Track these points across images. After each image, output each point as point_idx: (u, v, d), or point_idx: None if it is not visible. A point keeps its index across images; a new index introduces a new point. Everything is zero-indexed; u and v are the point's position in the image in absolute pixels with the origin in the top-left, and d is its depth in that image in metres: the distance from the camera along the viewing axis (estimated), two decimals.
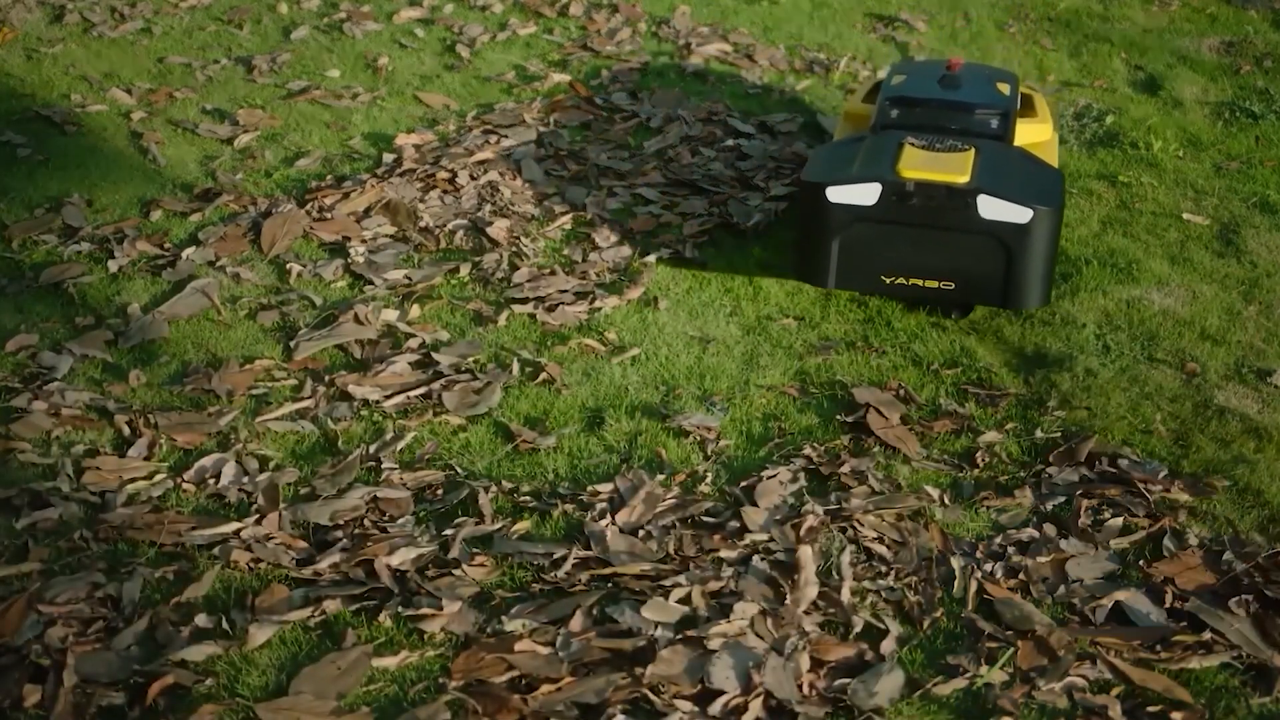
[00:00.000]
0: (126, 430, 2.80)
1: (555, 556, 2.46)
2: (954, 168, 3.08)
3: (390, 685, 2.20)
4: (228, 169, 3.92)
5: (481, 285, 3.39)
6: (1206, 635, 2.32)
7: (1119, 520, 2.60)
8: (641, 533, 2.53)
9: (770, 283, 3.41)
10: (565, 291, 3.36)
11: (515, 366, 3.05)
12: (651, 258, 3.52)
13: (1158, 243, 3.62)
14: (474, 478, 2.69)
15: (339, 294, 3.34)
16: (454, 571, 2.43)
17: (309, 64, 4.66)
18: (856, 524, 2.56)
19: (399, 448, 2.77)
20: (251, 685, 2.19)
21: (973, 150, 3.16)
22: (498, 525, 2.55)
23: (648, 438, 2.83)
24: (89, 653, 2.23)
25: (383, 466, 2.71)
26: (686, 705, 2.14)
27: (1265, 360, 3.11)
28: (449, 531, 2.53)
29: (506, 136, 4.13)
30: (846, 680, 2.21)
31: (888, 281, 3.17)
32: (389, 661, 2.23)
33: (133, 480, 2.66)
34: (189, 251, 3.45)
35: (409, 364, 3.05)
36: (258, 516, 2.55)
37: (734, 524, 2.57)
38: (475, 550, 2.49)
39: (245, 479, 2.67)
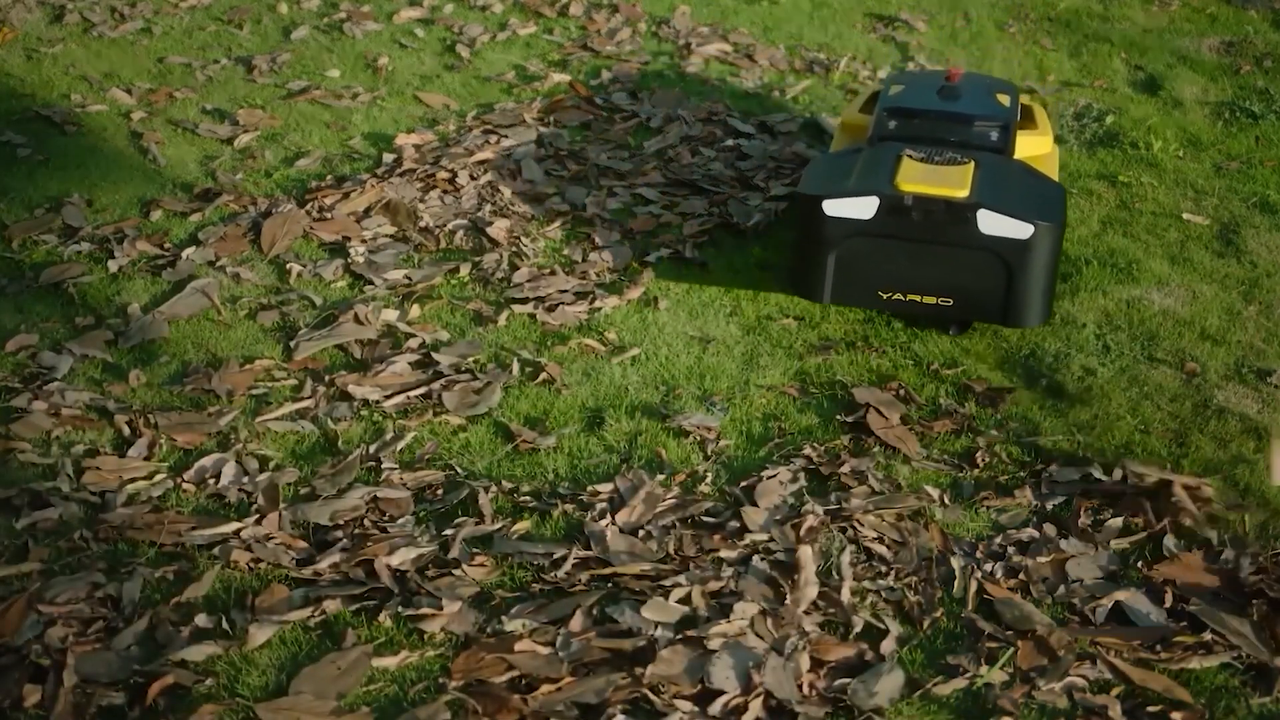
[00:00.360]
0: (126, 430, 2.80)
1: (555, 556, 2.47)
2: (953, 181, 3.03)
3: (390, 685, 2.20)
4: (228, 169, 3.93)
5: (481, 285, 3.39)
6: (1206, 635, 2.32)
7: (1119, 520, 2.60)
8: (641, 533, 2.53)
9: (770, 282, 3.41)
10: (565, 291, 3.36)
11: (515, 366, 3.05)
12: (651, 258, 3.52)
13: (1158, 243, 3.62)
14: (474, 478, 2.69)
15: (339, 294, 3.34)
16: (454, 571, 2.43)
17: (309, 64, 4.66)
18: (856, 524, 2.56)
19: (399, 448, 2.77)
20: (251, 685, 2.19)
21: (972, 163, 3.11)
22: (498, 525, 2.55)
23: (648, 438, 2.83)
24: (89, 653, 2.23)
25: (383, 466, 2.71)
26: (686, 705, 2.14)
27: (1265, 360, 3.11)
28: (449, 531, 2.53)
29: (506, 136, 4.13)
30: (846, 680, 2.21)
31: (885, 297, 3.12)
32: (389, 661, 2.23)
33: (133, 480, 2.66)
34: (189, 251, 3.45)
35: (409, 364, 3.05)
36: (258, 516, 2.56)
37: (734, 524, 2.57)
38: (475, 550, 2.50)
39: (245, 479, 2.67)
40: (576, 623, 2.30)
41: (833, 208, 3.06)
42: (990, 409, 2.94)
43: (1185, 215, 3.76)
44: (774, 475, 2.69)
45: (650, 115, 4.33)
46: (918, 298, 3.09)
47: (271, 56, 4.67)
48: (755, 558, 2.46)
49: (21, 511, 2.55)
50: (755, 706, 2.14)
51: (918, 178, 3.04)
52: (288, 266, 3.42)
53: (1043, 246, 3.00)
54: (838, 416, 2.92)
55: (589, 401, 2.96)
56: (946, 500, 2.66)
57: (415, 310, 3.26)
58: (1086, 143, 4.23)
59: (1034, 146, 3.41)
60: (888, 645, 2.29)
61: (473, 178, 3.88)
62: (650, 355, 3.13)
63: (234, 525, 2.52)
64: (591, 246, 3.59)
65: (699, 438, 2.84)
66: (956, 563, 2.48)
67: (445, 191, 3.80)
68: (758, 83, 4.63)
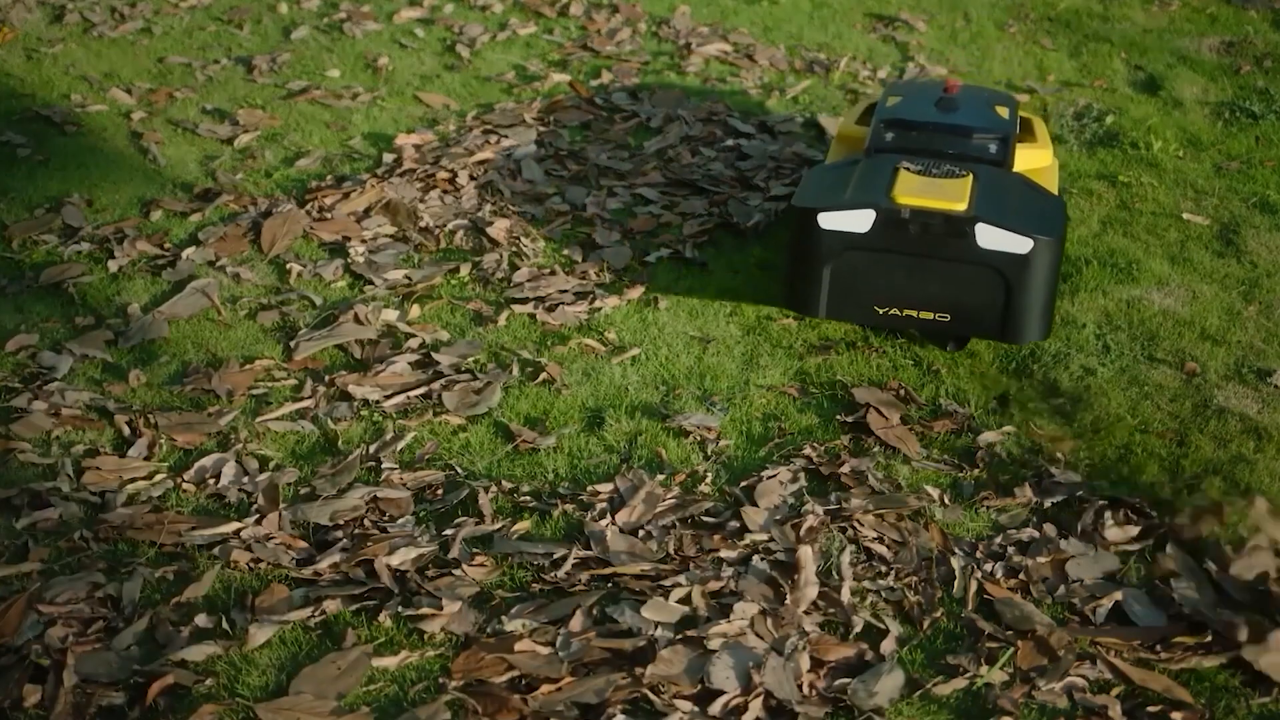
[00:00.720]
0: (126, 430, 2.80)
1: (555, 556, 2.47)
2: (951, 195, 2.97)
3: (390, 685, 2.20)
4: (228, 169, 3.93)
5: (481, 285, 3.40)
6: (1207, 635, 2.32)
7: (1119, 520, 2.60)
8: (641, 533, 2.53)
9: (770, 282, 3.41)
10: (565, 291, 3.36)
11: (515, 366, 3.05)
12: (651, 258, 3.52)
13: (1158, 243, 3.62)
14: (474, 478, 2.69)
15: (339, 294, 3.34)
16: (454, 571, 2.43)
17: (309, 64, 4.66)
18: (856, 524, 2.56)
19: (399, 448, 2.77)
20: (251, 685, 2.19)
21: (970, 176, 3.06)
22: (498, 525, 2.55)
23: (648, 438, 2.83)
24: (89, 653, 2.23)
25: (383, 466, 2.71)
26: (686, 705, 2.15)
27: (1265, 360, 3.11)
28: (449, 531, 2.53)
29: (506, 136, 4.13)
30: (846, 680, 2.21)
31: (881, 312, 3.06)
32: (389, 661, 2.23)
33: (133, 480, 2.66)
34: (189, 251, 3.45)
35: (409, 364, 3.05)
36: (258, 516, 2.56)
37: (734, 524, 2.57)
38: (475, 550, 2.50)
39: (245, 479, 2.67)
40: (576, 623, 2.31)
41: (828, 221, 3.00)
42: (990, 409, 2.95)
43: (1185, 215, 3.76)
44: (774, 475, 2.69)
45: (650, 115, 4.33)
46: (914, 313, 3.04)
47: (271, 56, 4.67)
48: (755, 558, 2.46)
49: (21, 511, 2.55)
50: (755, 706, 2.14)
51: (915, 191, 2.99)
52: (288, 266, 3.43)
53: (1042, 261, 2.94)
54: (838, 416, 2.92)
55: (589, 401, 2.96)
56: (946, 500, 2.66)
57: (415, 310, 3.26)
58: (1086, 143, 4.23)
59: (1033, 159, 3.34)
60: (888, 645, 2.29)
61: (473, 178, 3.88)
62: (650, 355, 3.13)
63: (234, 525, 2.52)
64: (591, 246, 3.59)
65: (699, 438, 2.84)
66: (956, 563, 2.48)
67: (445, 191, 3.81)
68: (758, 83, 4.64)
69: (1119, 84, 4.70)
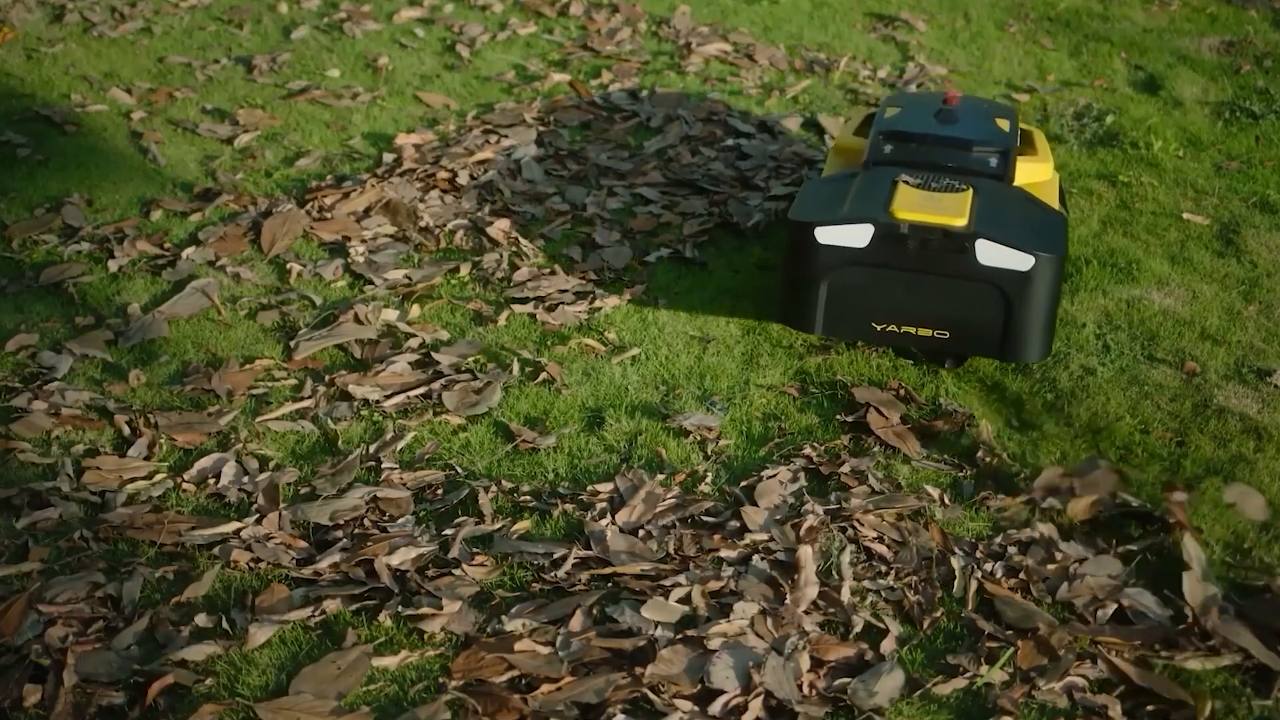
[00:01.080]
0: (126, 430, 2.80)
1: (555, 556, 2.47)
2: (951, 210, 2.92)
3: (390, 685, 2.20)
4: (228, 169, 3.93)
5: (481, 285, 3.40)
6: (1207, 636, 2.32)
7: (1120, 520, 2.60)
8: (641, 532, 2.53)
9: (770, 282, 3.41)
10: (565, 291, 3.36)
11: (515, 366, 3.05)
12: (651, 258, 3.52)
13: (1158, 243, 3.62)
14: (474, 478, 2.69)
15: (339, 294, 3.34)
16: (454, 571, 2.43)
17: (309, 64, 4.66)
18: (856, 524, 2.56)
19: (399, 448, 2.77)
20: (251, 685, 2.19)
21: (970, 190, 3.01)
22: (498, 525, 2.55)
23: (648, 438, 2.83)
24: (89, 653, 2.23)
25: (383, 466, 2.71)
26: (686, 705, 2.14)
27: (1265, 360, 3.11)
28: (449, 531, 2.53)
29: (506, 136, 4.13)
30: (846, 680, 2.21)
31: (878, 329, 3.00)
32: (389, 661, 2.23)
33: (133, 480, 2.66)
34: (189, 251, 3.45)
35: (409, 364, 3.05)
36: (258, 516, 2.56)
37: (734, 524, 2.57)
38: (475, 550, 2.50)
39: (245, 479, 2.67)
40: (576, 622, 2.31)
41: (825, 235, 2.94)
42: (990, 409, 2.95)
43: (1185, 215, 3.76)
44: (774, 475, 2.69)
45: (650, 115, 4.33)
46: (913, 330, 2.99)
47: (271, 56, 4.67)
48: (755, 557, 2.46)
49: (21, 511, 2.55)
50: (755, 706, 2.14)
51: (914, 205, 2.93)
52: (288, 266, 3.43)
53: (1043, 278, 2.88)
54: (838, 416, 2.92)
55: (589, 401, 2.96)
56: (946, 500, 2.66)
57: (415, 310, 3.26)
58: (1086, 142, 4.23)
59: (1034, 173, 3.28)
60: (888, 645, 2.29)
61: (473, 178, 3.88)
62: (650, 355, 3.13)
63: (234, 525, 2.52)
64: (592, 246, 3.59)
65: (699, 438, 2.84)
66: (956, 563, 2.48)
67: (445, 191, 3.81)
68: (758, 82, 4.64)
69: (1119, 84, 4.71)
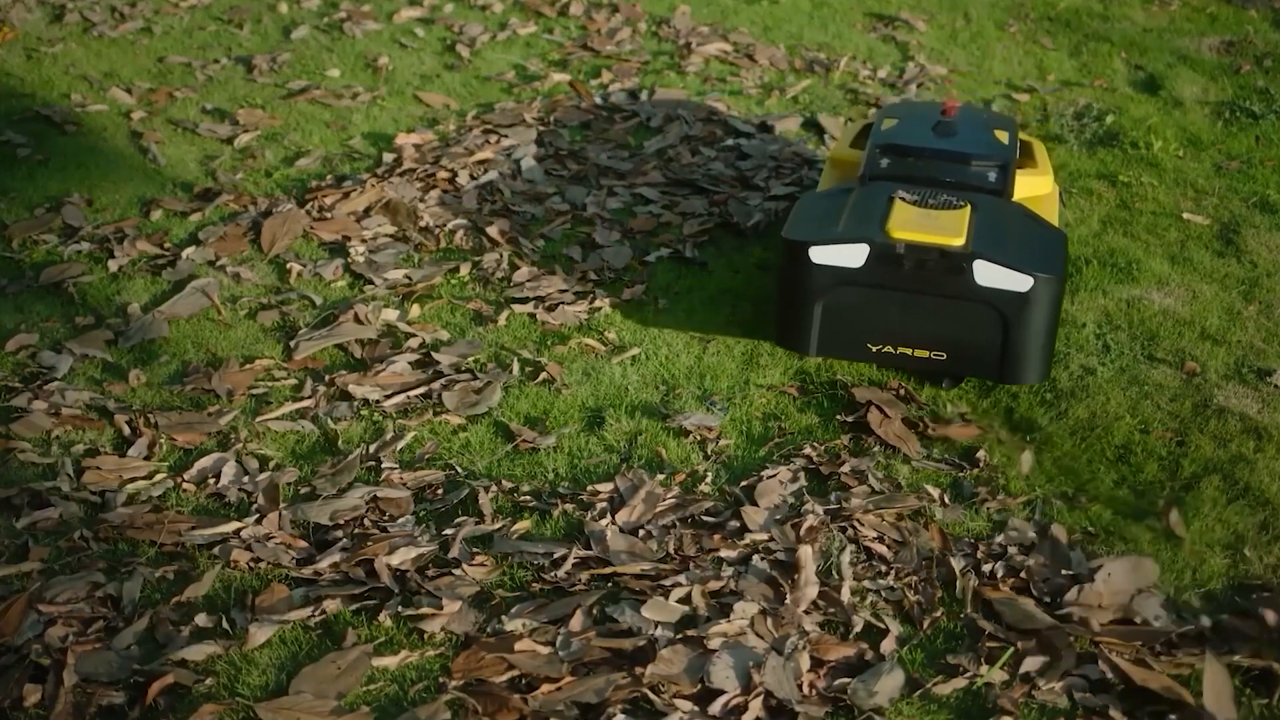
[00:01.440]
0: (126, 430, 2.80)
1: (555, 556, 2.47)
2: (948, 228, 2.86)
3: (390, 685, 2.20)
4: (228, 169, 3.93)
5: (481, 285, 3.40)
6: (1208, 636, 2.32)
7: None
8: (641, 532, 2.53)
9: (770, 282, 3.41)
10: (565, 291, 3.36)
11: (515, 366, 3.05)
12: (651, 257, 3.52)
13: (1158, 242, 3.62)
14: (474, 477, 2.69)
15: (339, 294, 3.34)
16: (454, 571, 2.43)
17: (309, 64, 4.66)
18: (856, 524, 2.56)
19: (399, 447, 2.77)
20: (251, 685, 2.19)
21: (968, 207, 2.95)
22: (498, 525, 2.55)
23: (648, 437, 2.83)
24: (89, 652, 2.23)
25: (383, 466, 2.71)
26: (686, 705, 2.14)
27: (1265, 360, 3.11)
28: (449, 531, 2.53)
29: (506, 136, 4.13)
30: (846, 680, 2.21)
31: (874, 350, 2.95)
32: (389, 661, 2.23)
33: (133, 480, 2.66)
34: (189, 251, 3.45)
35: (409, 364, 3.05)
36: (258, 516, 2.56)
37: (734, 524, 2.57)
38: (475, 550, 2.50)
39: (245, 479, 2.67)
40: (576, 622, 2.31)
41: (820, 255, 2.88)
42: (990, 409, 2.94)
43: (1185, 215, 3.76)
44: (774, 475, 2.69)
45: (650, 115, 4.33)
46: (909, 351, 2.93)
47: (271, 56, 4.67)
48: (755, 557, 2.46)
49: (21, 511, 2.55)
50: (755, 706, 2.14)
51: (911, 224, 2.87)
52: (288, 266, 3.43)
53: (1043, 300, 2.82)
54: (838, 416, 2.92)
55: (589, 401, 2.96)
56: (946, 500, 2.66)
57: (415, 310, 3.26)
58: (1086, 143, 4.23)
59: (1033, 187, 3.23)
60: (888, 645, 2.29)
61: (473, 178, 3.88)
62: (650, 355, 3.13)
63: (234, 525, 2.52)
64: (592, 246, 3.59)
65: (699, 437, 2.84)
66: (956, 563, 2.48)
67: (445, 191, 3.81)
68: (758, 82, 4.64)
69: (1119, 83, 4.70)
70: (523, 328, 3.22)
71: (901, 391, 2.99)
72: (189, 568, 2.43)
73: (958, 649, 2.30)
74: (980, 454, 2.79)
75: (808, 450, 2.79)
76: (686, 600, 2.36)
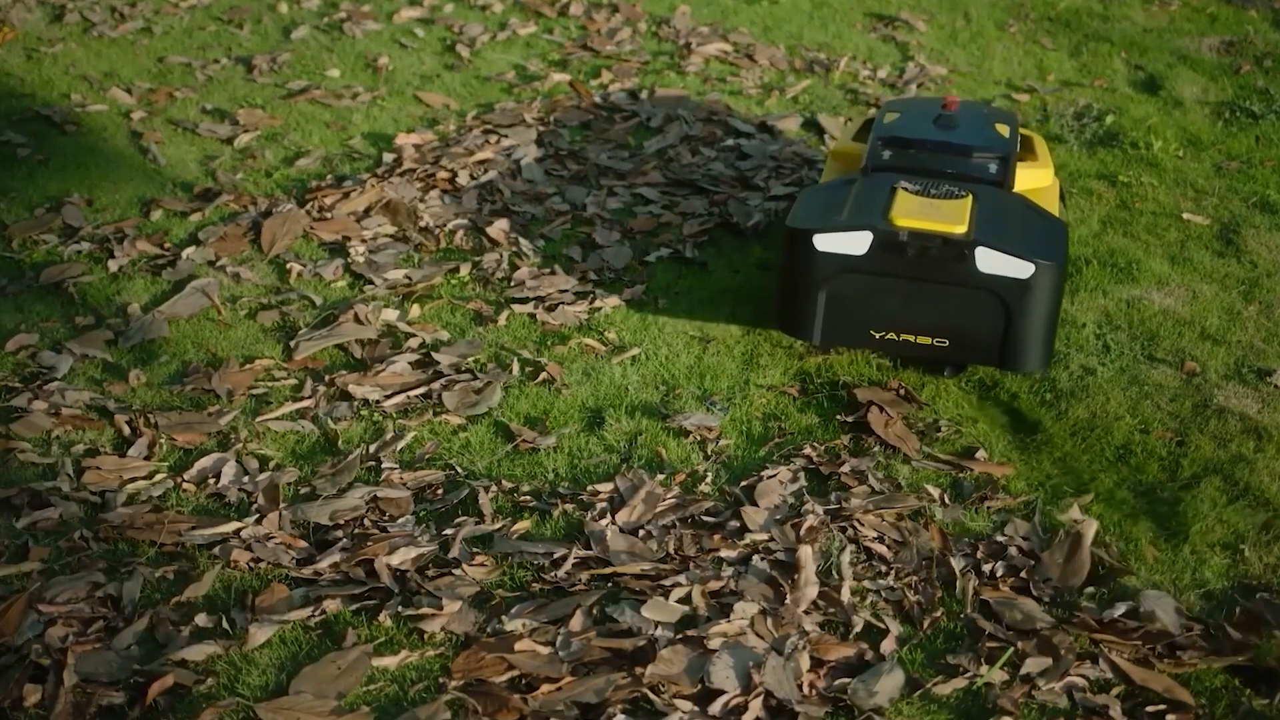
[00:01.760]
0: (126, 430, 2.80)
1: (555, 556, 2.47)
2: (950, 217, 2.88)
3: (390, 685, 2.20)
4: (228, 169, 3.93)
5: (481, 285, 3.40)
6: (1209, 636, 2.32)
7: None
8: (641, 532, 2.53)
9: (770, 282, 3.41)
10: (565, 291, 3.36)
11: (515, 366, 3.05)
12: (651, 258, 3.52)
13: (1158, 243, 3.62)
14: (474, 477, 2.69)
15: (339, 294, 3.34)
16: (454, 571, 2.43)
17: (309, 64, 4.66)
18: (856, 524, 2.56)
19: (399, 447, 2.77)
20: (251, 685, 2.19)
21: (970, 197, 2.97)
22: (498, 525, 2.55)
23: (648, 438, 2.83)
24: (89, 652, 2.23)
25: (383, 466, 2.71)
26: (686, 705, 2.14)
27: (1265, 360, 3.11)
28: (449, 531, 2.53)
29: (506, 136, 4.13)
30: (846, 680, 2.21)
31: (877, 336, 2.98)
32: (389, 661, 2.23)
33: (133, 480, 2.66)
34: (189, 251, 3.45)
35: (409, 364, 3.05)
36: (258, 516, 2.56)
37: (734, 524, 2.57)
38: (475, 550, 2.50)
39: (245, 479, 2.67)
40: (576, 622, 2.30)
41: (824, 243, 2.91)
42: (990, 408, 2.94)
43: (1185, 215, 3.76)
44: (774, 475, 2.69)
45: (650, 115, 4.33)
46: (911, 338, 2.96)
47: (271, 56, 4.67)
48: (755, 557, 2.46)
49: (21, 511, 2.55)
50: (755, 706, 2.14)
51: (913, 212, 2.90)
52: (288, 266, 3.43)
53: (1044, 287, 2.85)
54: (838, 416, 2.92)
55: (589, 401, 2.96)
56: (946, 500, 2.66)
57: (415, 310, 3.26)
58: (1086, 142, 4.23)
59: (1034, 179, 3.25)
60: (888, 645, 2.29)
61: (473, 178, 3.88)
62: (650, 355, 3.13)
63: (234, 525, 2.52)
64: (592, 246, 3.59)
65: (699, 437, 2.84)
66: (956, 563, 2.48)
67: (445, 191, 3.81)
68: (758, 82, 4.64)
69: (1119, 84, 4.71)
70: (523, 328, 3.22)
71: (902, 391, 2.98)
72: (189, 568, 2.43)
73: (958, 649, 2.30)
74: (980, 454, 2.79)
75: (808, 450, 2.79)
76: (686, 600, 2.36)
